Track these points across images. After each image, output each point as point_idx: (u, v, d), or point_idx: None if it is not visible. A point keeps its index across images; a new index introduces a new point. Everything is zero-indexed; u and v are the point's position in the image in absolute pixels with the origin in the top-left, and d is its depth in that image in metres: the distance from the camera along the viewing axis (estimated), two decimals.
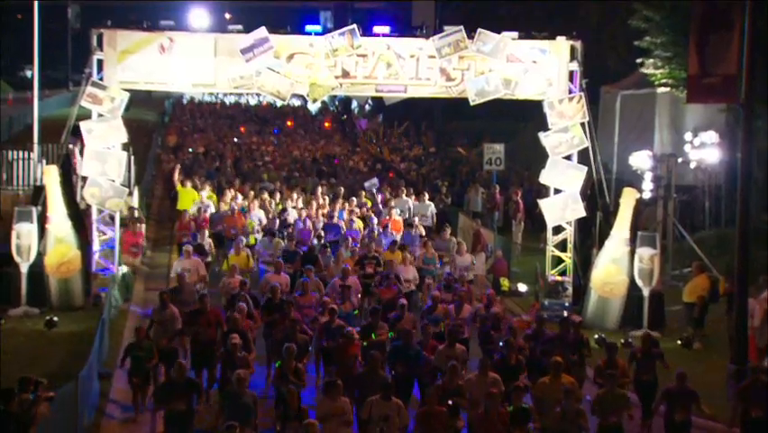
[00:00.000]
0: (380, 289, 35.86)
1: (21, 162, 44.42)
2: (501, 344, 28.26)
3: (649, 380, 27.48)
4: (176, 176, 50.03)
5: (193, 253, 36.98)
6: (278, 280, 34.24)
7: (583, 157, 40.65)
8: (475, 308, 32.94)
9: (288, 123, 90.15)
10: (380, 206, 51.07)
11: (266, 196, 50.86)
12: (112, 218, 40.44)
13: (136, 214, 46.31)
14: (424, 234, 45.43)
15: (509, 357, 26.64)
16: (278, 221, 45.56)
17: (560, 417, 21.94)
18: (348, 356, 27.04)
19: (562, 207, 40.86)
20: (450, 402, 23.37)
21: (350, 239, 42.07)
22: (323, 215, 47.45)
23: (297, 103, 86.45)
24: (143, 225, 47.22)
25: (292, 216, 47.19)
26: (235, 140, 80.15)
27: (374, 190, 53.90)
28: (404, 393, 25.33)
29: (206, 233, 42.00)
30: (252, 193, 52.42)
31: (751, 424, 24.52)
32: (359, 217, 47.36)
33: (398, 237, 43.74)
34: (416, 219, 47.65)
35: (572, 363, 27.26)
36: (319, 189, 53.66)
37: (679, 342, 37.03)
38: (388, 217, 46.67)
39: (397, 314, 31.08)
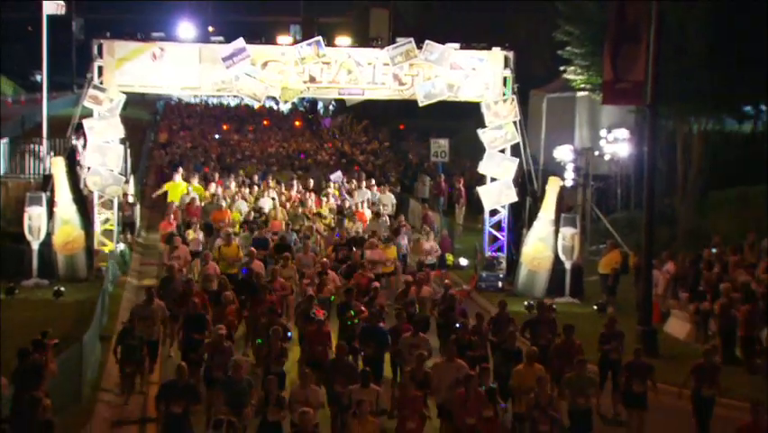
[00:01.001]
0: (356, 274, 33.72)
1: (32, 154, 44.19)
2: (458, 325, 27.59)
3: (545, 345, 26.47)
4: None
5: (182, 244, 36.06)
6: (255, 266, 33.28)
7: (515, 150, 40.73)
8: (435, 291, 31.98)
9: (264, 122, 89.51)
10: (346, 196, 50.32)
11: (246, 190, 49.88)
12: (111, 203, 40.33)
13: (131, 199, 45.89)
14: (388, 222, 44.68)
15: (464, 337, 25.88)
16: (252, 214, 44.37)
17: (533, 403, 20.92)
18: (318, 341, 25.84)
19: (498, 193, 40.96)
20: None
21: (314, 228, 41.60)
22: (295, 205, 46.70)
23: (270, 104, 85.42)
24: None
25: (267, 205, 46.23)
26: (217, 136, 79.44)
27: (340, 182, 53.23)
28: (374, 372, 24.11)
29: (198, 224, 40.69)
30: (234, 184, 51.80)
31: (701, 401, 23.97)
32: (330, 208, 46.83)
33: (362, 227, 42.90)
34: (382, 208, 47.56)
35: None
36: (294, 182, 52.77)
37: (595, 307, 37.47)
38: (355, 209, 46.17)
39: (371, 296, 30.00)
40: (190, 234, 38.78)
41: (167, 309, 28.72)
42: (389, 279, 36.34)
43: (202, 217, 43.10)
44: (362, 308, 28.24)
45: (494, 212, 41.50)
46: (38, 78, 50.68)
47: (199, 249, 37.69)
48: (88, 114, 39.31)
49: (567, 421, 22.08)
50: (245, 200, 47.81)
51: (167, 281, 31.20)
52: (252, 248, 35.40)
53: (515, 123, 40.48)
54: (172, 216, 41.47)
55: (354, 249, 37.76)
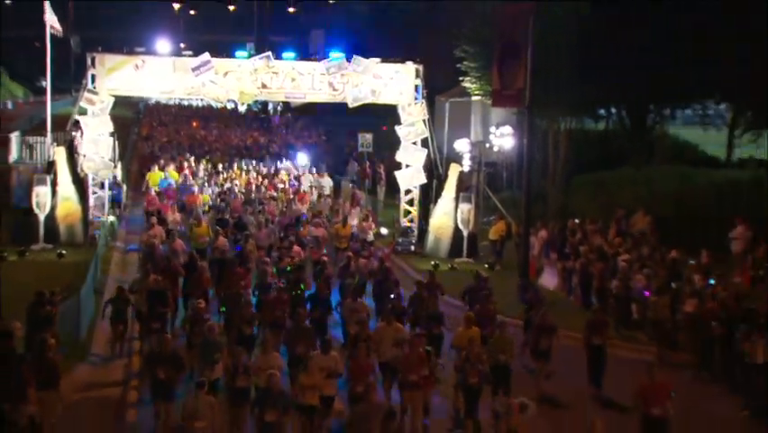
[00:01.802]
0: (312, 250, 33.50)
1: (38, 145, 43.71)
2: (392, 296, 26.53)
3: (435, 312, 25.27)
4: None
5: (157, 224, 35.19)
6: (220, 243, 32.44)
7: (424, 143, 40.65)
8: (371, 263, 31.20)
9: (194, 123, 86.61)
10: (295, 181, 49.96)
11: (220, 178, 49.94)
12: (102, 184, 40.21)
13: (120, 178, 45.70)
14: (330, 202, 44.65)
15: (398, 306, 24.82)
16: (218, 198, 44.05)
17: (464, 359, 20.19)
18: (278, 307, 24.69)
19: (411, 176, 40.94)
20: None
21: (265, 206, 40.94)
22: (252, 189, 46.38)
23: (231, 105, 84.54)
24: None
25: (232, 190, 46.07)
26: (185, 131, 78.81)
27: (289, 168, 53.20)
28: (321, 334, 22.98)
29: (175, 206, 40.38)
30: (203, 172, 51.91)
31: (593, 349, 23.50)
32: (282, 191, 46.57)
33: (305, 207, 42.54)
34: (326, 190, 48.01)
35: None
36: (251, 169, 53.09)
37: (486, 266, 37.41)
38: (301, 192, 45.73)
39: (320, 268, 29.29)
40: (170, 216, 37.72)
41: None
42: (345, 253, 34.34)
43: (178, 198, 42.89)
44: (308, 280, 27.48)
45: (408, 191, 41.49)
46: (43, 83, 49.94)
47: (180, 228, 36.65)
48: (84, 112, 38.84)
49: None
50: (213, 185, 47.45)
51: (148, 256, 30.37)
52: (218, 227, 34.40)
53: (424, 121, 40.34)
54: (152, 196, 41.26)
55: (302, 228, 36.70)
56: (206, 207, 41.30)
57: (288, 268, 30.04)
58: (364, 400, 17.13)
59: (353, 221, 40.74)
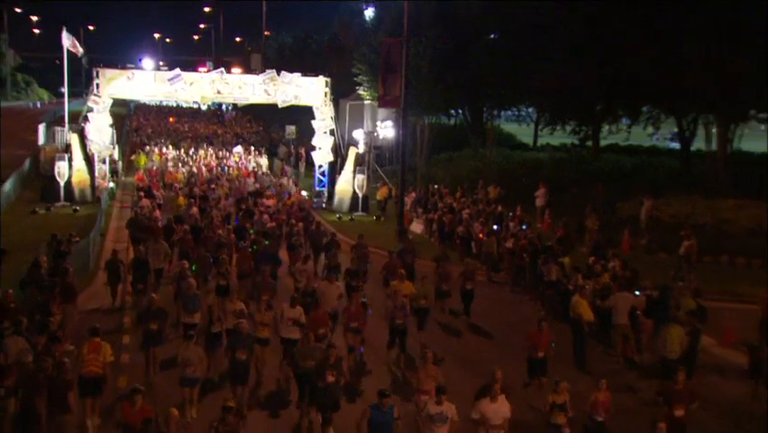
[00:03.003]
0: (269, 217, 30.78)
1: (59, 132, 43.07)
2: (330, 253, 24.83)
3: (411, 263, 24.23)
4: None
5: (145, 197, 34.07)
6: (193, 212, 29.95)
7: (331, 132, 40.43)
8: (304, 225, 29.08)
9: (171, 118, 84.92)
10: (243, 162, 49.27)
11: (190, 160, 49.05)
12: (104, 160, 39.38)
13: (117, 157, 44.86)
14: (270, 176, 44.43)
15: (334, 262, 23.09)
16: (191, 177, 42.40)
17: (392, 306, 18.57)
18: (244, 261, 22.76)
19: (322, 156, 40.71)
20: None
21: (222, 179, 40.67)
22: (211, 168, 45.87)
23: (195, 106, 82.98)
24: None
25: (200, 169, 45.30)
26: (164, 124, 77.55)
27: (240, 152, 52.55)
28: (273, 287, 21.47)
29: (160, 183, 39.63)
30: (177, 153, 51.19)
31: (466, 292, 22.28)
32: (235, 169, 45.84)
33: (251, 181, 41.50)
34: (263, 168, 47.95)
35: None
36: (211, 151, 52.57)
37: (374, 218, 38.09)
38: (245, 170, 45.32)
39: (270, 231, 27.29)
40: (157, 192, 36.20)
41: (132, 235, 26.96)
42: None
43: (161, 176, 42.43)
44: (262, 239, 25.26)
45: (320, 166, 41.16)
46: (62, 89, 49.39)
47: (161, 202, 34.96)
48: (90, 110, 38.24)
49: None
50: (185, 165, 46.89)
51: (132, 221, 28.71)
52: (190, 199, 32.92)
53: (331, 117, 40.26)
54: (141, 175, 40.94)
55: (251, 198, 35.22)
56: (181, 184, 40.14)
57: (252, 231, 27.68)
58: (302, 343, 15.72)
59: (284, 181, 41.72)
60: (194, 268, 21.37)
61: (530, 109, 55.31)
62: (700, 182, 39.32)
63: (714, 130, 43.62)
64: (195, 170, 45.59)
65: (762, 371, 17.22)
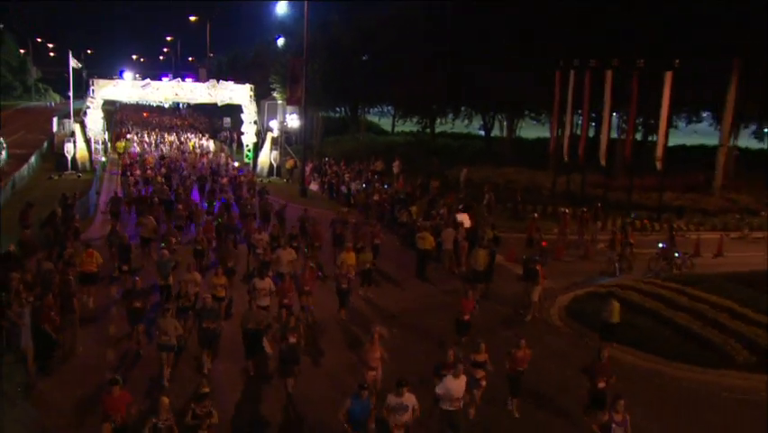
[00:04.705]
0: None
1: (67, 123, 42.22)
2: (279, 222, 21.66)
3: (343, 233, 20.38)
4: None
5: (130, 175, 31.98)
6: (166, 189, 26.09)
7: (255, 123, 39.31)
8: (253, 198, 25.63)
9: (144, 114, 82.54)
10: (204, 145, 47.52)
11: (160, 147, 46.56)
12: (98, 142, 38.46)
13: (107, 139, 43.99)
14: (222, 156, 41.78)
15: (284, 233, 19.68)
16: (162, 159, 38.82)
17: (339, 273, 15.87)
18: (208, 231, 19.40)
19: (249, 138, 39.63)
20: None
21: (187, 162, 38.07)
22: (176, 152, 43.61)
23: (161, 104, 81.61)
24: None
25: (166, 151, 43.82)
26: (140, 117, 75.42)
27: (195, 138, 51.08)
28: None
29: (137, 164, 36.11)
30: (153, 139, 49.85)
31: (375, 246, 19.21)
32: (192, 153, 42.72)
33: (205, 162, 38.66)
34: (211, 148, 45.80)
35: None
36: (174, 138, 50.60)
37: (284, 180, 36.90)
38: (204, 154, 42.56)
39: (235, 204, 23.89)
40: (137, 171, 33.20)
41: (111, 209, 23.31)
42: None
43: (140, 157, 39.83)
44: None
45: (247, 146, 40.02)
46: (69, 94, 48.45)
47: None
48: (88, 107, 37.85)
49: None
50: (156, 150, 44.89)
51: (114, 199, 24.03)
52: (162, 178, 29.55)
53: (255, 112, 39.53)
54: (125, 160, 38.72)
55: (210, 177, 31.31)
56: (152, 165, 35.53)
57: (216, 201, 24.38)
58: (251, 307, 13.27)
59: (222, 160, 39.28)
60: (164, 244, 17.43)
61: (389, 107, 55.15)
62: (496, 156, 40.73)
63: (504, 123, 46.80)
64: (165, 150, 43.28)
65: (530, 275, 16.65)
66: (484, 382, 11.28)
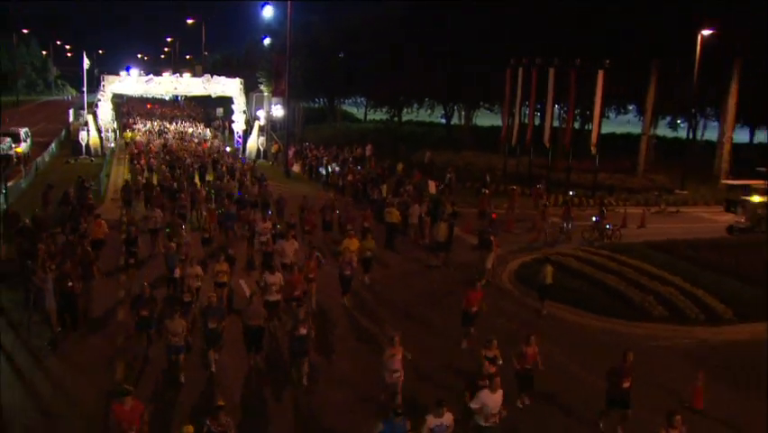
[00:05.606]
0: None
1: (81, 114, 41.22)
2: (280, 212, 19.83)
3: (327, 221, 19.19)
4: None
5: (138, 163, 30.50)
6: (168, 176, 24.60)
7: (245, 113, 38.98)
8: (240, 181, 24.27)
9: (148, 105, 79.62)
10: (201, 133, 46.36)
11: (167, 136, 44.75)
12: (108, 131, 37.92)
13: (116, 128, 42.61)
14: (218, 143, 41.14)
15: (284, 224, 17.54)
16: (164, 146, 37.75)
17: (342, 260, 14.35)
18: (211, 221, 18.08)
19: (239, 126, 39.28)
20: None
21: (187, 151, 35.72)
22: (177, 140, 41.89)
23: (163, 96, 79.67)
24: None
25: (169, 139, 42.25)
26: (145, 109, 74.13)
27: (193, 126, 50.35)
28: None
29: (142, 153, 33.48)
30: (155, 126, 49.09)
31: (363, 229, 16.83)
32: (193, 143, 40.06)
33: (206, 149, 36.81)
34: (207, 135, 44.55)
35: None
36: (175, 127, 49.45)
37: (270, 163, 35.66)
38: (204, 142, 40.39)
39: (228, 193, 21.53)
40: (143, 159, 30.89)
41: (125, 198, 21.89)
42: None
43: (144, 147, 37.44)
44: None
45: (238, 133, 39.60)
46: (83, 89, 47.19)
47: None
48: (99, 99, 37.43)
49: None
50: (159, 138, 43.33)
51: (125, 187, 22.56)
52: (165, 166, 28.60)
53: (244, 103, 39.23)
54: (131, 148, 36.81)
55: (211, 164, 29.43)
56: (155, 153, 34.02)
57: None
58: (252, 303, 11.46)
59: (222, 148, 38.18)
60: (168, 230, 16.68)
61: (362, 98, 55.06)
62: (456, 141, 41.35)
63: (462, 112, 47.31)
64: (168, 139, 41.96)
65: (484, 244, 16.23)
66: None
